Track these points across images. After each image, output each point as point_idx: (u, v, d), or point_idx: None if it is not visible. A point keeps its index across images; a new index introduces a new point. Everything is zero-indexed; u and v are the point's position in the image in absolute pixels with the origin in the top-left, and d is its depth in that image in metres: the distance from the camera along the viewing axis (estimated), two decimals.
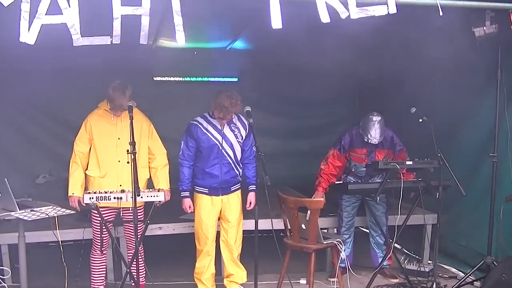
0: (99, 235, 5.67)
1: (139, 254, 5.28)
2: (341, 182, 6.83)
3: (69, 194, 5.57)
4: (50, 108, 9.35)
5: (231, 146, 6.08)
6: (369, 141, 6.54)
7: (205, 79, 10.07)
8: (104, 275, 5.99)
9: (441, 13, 4.92)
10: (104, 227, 5.54)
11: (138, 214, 5.38)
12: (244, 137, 6.15)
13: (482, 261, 6.13)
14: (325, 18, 4.79)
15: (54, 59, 7.96)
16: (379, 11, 4.87)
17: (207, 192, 6.14)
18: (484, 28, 5.90)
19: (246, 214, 6.32)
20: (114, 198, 5.20)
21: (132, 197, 4.96)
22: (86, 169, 5.73)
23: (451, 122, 7.31)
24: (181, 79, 10.00)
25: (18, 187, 7.99)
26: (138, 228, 5.19)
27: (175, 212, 6.72)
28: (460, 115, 7.30)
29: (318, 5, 4.71)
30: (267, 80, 10.12)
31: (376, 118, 6.52)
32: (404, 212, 6.35)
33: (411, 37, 7.22)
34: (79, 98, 8.59)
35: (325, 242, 6.27)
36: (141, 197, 5.15)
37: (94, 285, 5.93)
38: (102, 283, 5.97)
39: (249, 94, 8.25)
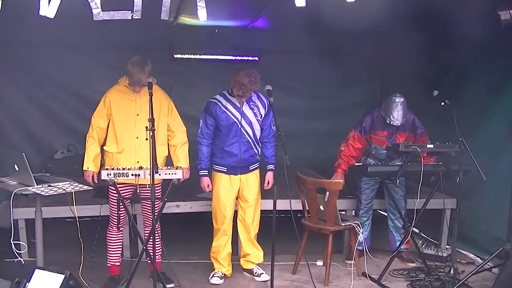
0: (116, 212, 5.69)
1: (156, 232, 5.25)
2: (361, 164, 6.78)
3: (84, 169, 5.59)
4: (70, 84, 9.31)
5: (250, 124, 6.03)
6: (391, 122, 6.46)
7: (226, 57, 9.97)
8: (120, 252, 6.00)
9: None
10: (121, 204, 5.54)
11: (156, 191, 5.33)
12: (263, 116, 6.09)
13: (501, 248, 6.04)
14: None
15: (74, 34, 7.99)
16: None
17: (226, 171, 6.11)
18: (511, 11, 5.82)
19: (264, 194, 6.28)
20: (132, 174, 5.17)
21: (150, 174, 4.93)
22: (104, 144, 5.72)
23: (474, 106, 7.16)
24: (201, 57, 9.92)
25: (36, 162, 8.11)
26: (155, 206, 5.16)
27: (192, 190, 6.71)
28: (483, 100, 7.17)
29: None
30: (288, 60, 10.01)
31: (399, 99, 6.43)
32: (424, 196, 6.28)
33: (434, 19, 7.14)
34: (99, 74, 8.61)
35: (343, 224, 6.26)
36: (159, 174, 5.13)
37: (110, 261, 5.94)
38: (118, 260, 5.97)
39: (270, 73, 8.16)
